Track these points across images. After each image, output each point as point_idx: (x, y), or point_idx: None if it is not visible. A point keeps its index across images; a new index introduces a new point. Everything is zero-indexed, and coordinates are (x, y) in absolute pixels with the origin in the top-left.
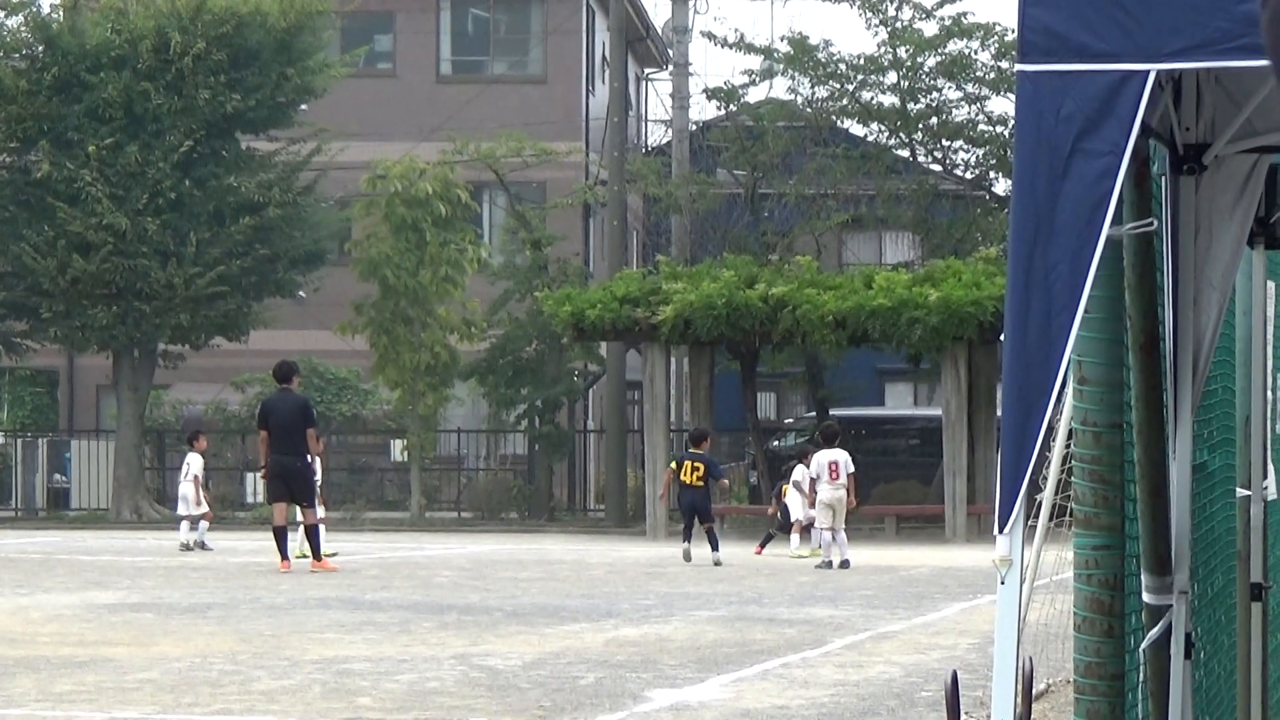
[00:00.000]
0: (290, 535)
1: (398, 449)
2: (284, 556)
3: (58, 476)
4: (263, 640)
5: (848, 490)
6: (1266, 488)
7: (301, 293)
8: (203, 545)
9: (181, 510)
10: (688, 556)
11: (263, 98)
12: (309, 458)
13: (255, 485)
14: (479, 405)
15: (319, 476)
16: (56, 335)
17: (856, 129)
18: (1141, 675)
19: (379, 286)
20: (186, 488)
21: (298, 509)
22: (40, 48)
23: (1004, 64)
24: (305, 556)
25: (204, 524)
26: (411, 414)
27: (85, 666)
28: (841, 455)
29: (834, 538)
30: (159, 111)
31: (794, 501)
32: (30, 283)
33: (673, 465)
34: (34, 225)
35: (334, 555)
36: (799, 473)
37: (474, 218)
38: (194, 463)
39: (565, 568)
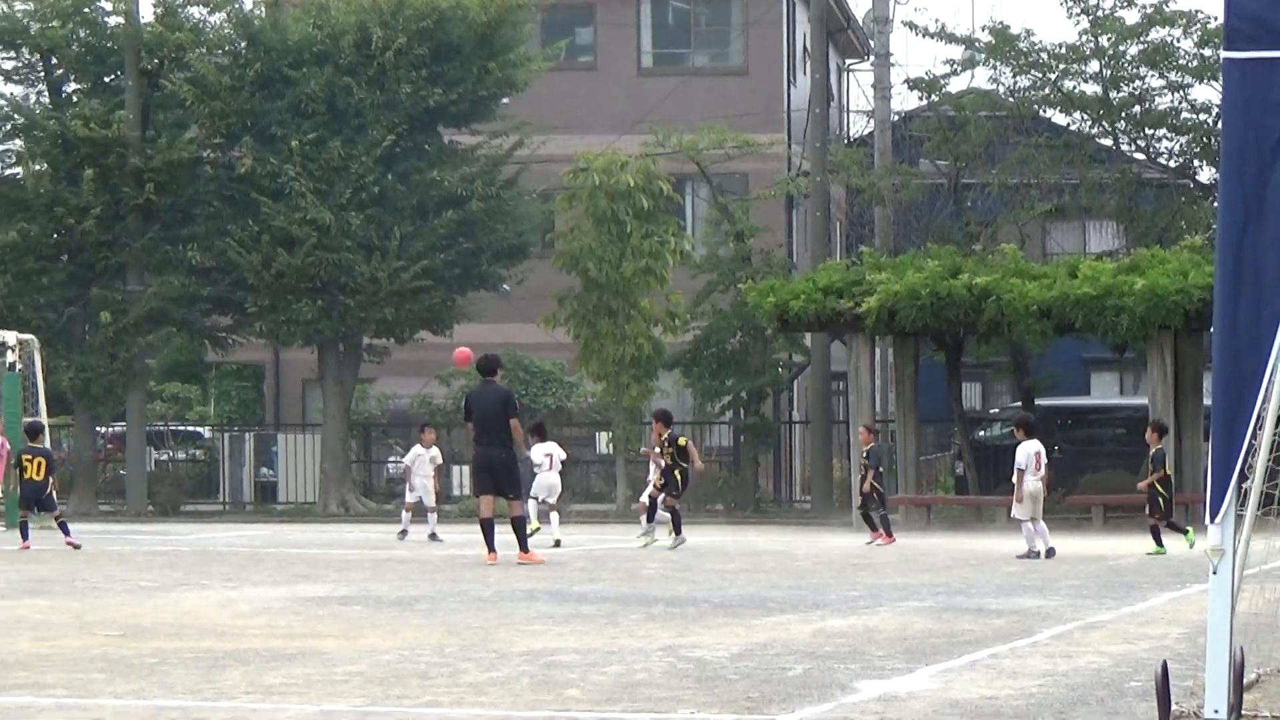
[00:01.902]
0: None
1: (603, 441)
2: (491, 549)
3: (265, 470)
4: (470, 632)
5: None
6: None
7: (505, 286)
8: (434, 537)
9: (428, 502)
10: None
11: (464, 92)
12: (514, 449)
13: (462, 478)
14: (684, 397)
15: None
16: (262, 330)
17: (1059, 118)
18: None
19: (582, 279)
20: (425, 480)
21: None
22: (243, 44)
23: (1207, 52)
24: (557, 545)
25: (433, 515)
26: (616, 406)
27: (294, 659)
28: (1040, 446)
29: (1035, 527)
30: (361, 106)
31: None
32: (235, 277)
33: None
34: (238, 220)
35: (547, 541)
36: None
37: (676, 210)
38: (432, 454)
39: (771, 559)
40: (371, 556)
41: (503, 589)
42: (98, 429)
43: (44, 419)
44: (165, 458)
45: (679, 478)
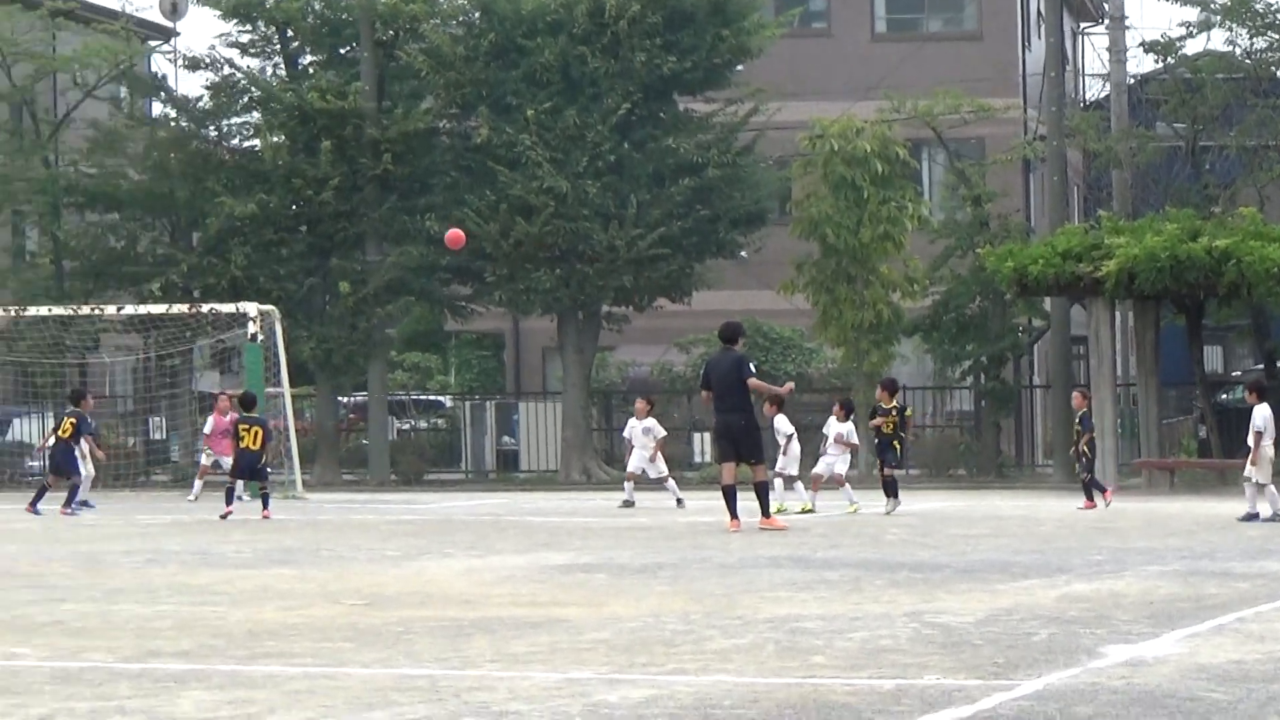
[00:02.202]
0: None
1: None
2: (733, 515)
3: (506, 439)
4: (714, 599)
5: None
6: None
7: (743, 253)
8: (680, 503)
9: (650, 474)
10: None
11: (698, 59)
12: (753, 414)
13: (703, 445)
14: (924, 362)
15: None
16: (501, 299)
17: None
18: None
19: (819, 245)
20: (641, 451)
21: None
22: (477, 15)
23: None
24: (809, 510)
25: (671, 483)
26: (856, 372)
27: (539, 627)
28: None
29: (1262, 490)
30: (596, 75)
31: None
32: (474, 247)
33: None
34: (476, 190)
35: (780, 512)
36: (831, 427)
37: (913, 175)
38: (647, 425)
39: (1014, 524)
40: (613, 524)
41: (746, 555)
42: (339, 399)
43: (286, 390)
44: (407, 427)
45: (898, 448)
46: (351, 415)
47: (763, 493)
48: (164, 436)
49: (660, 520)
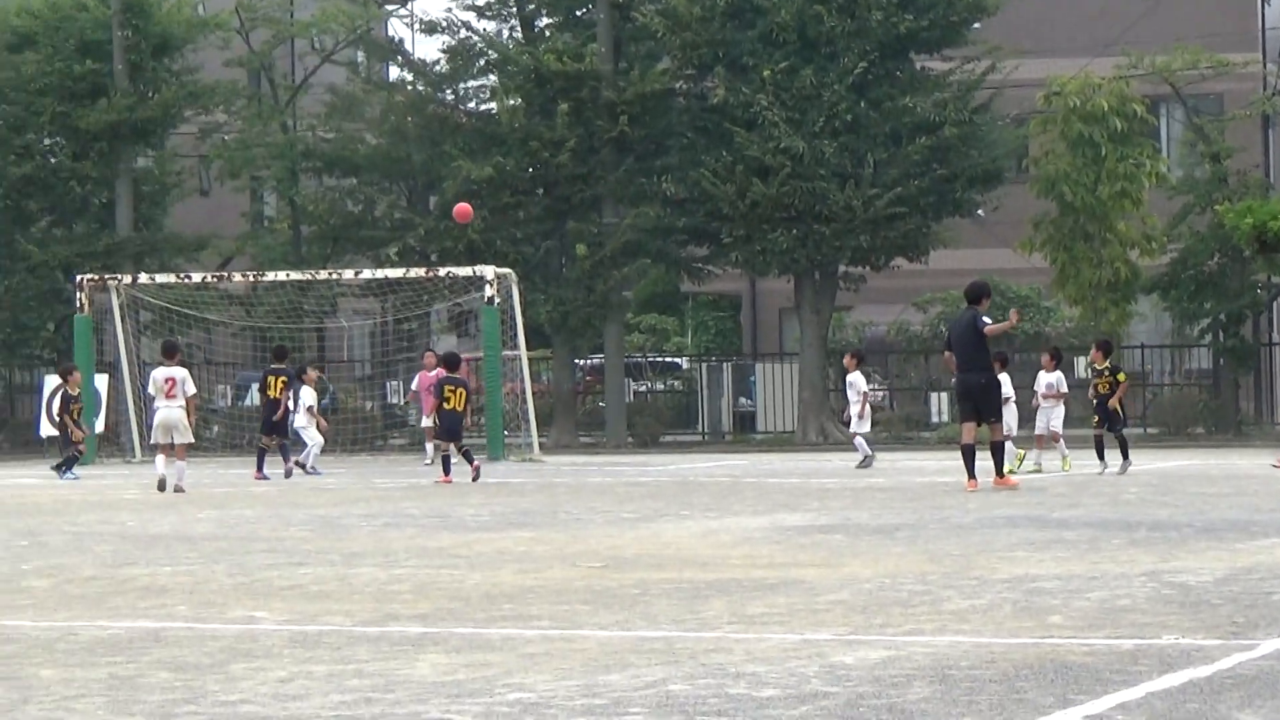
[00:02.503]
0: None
1: (1080, 366)
2: (971, 475)
3: (743, 400)
4: (951, 560)
5: None
6: None
7: (980, 211)
8: (866, 461)
9: (854, 428)
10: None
11: (935, 17)
12: (993, 372)
13: (940, 405)
14: (1162, 320)
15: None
16: (737, 260)
17: None
18: None
19: (1057, 203)
20: (855, 407)
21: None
22: None
23: None
24: (1037, 470)
25: (860, 439)
26: (1094, 330)
27: (775, 589)
28: None
29: None
30: (832, 34)
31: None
32: (710, 208)
33: None
34: (712, 151)
35: (1013, 471)
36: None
37: (1150, 132)
38: (851, 379)
39: (1255, 482)
40: (851, 485)
41: (983, 515)
42: (576, 361)
43: (523, 353)
44: (644, 389)
45: (1119, 410)
46: (588, 378)
47: (998, 452)
48: (400, 401)
49: (898, 481)
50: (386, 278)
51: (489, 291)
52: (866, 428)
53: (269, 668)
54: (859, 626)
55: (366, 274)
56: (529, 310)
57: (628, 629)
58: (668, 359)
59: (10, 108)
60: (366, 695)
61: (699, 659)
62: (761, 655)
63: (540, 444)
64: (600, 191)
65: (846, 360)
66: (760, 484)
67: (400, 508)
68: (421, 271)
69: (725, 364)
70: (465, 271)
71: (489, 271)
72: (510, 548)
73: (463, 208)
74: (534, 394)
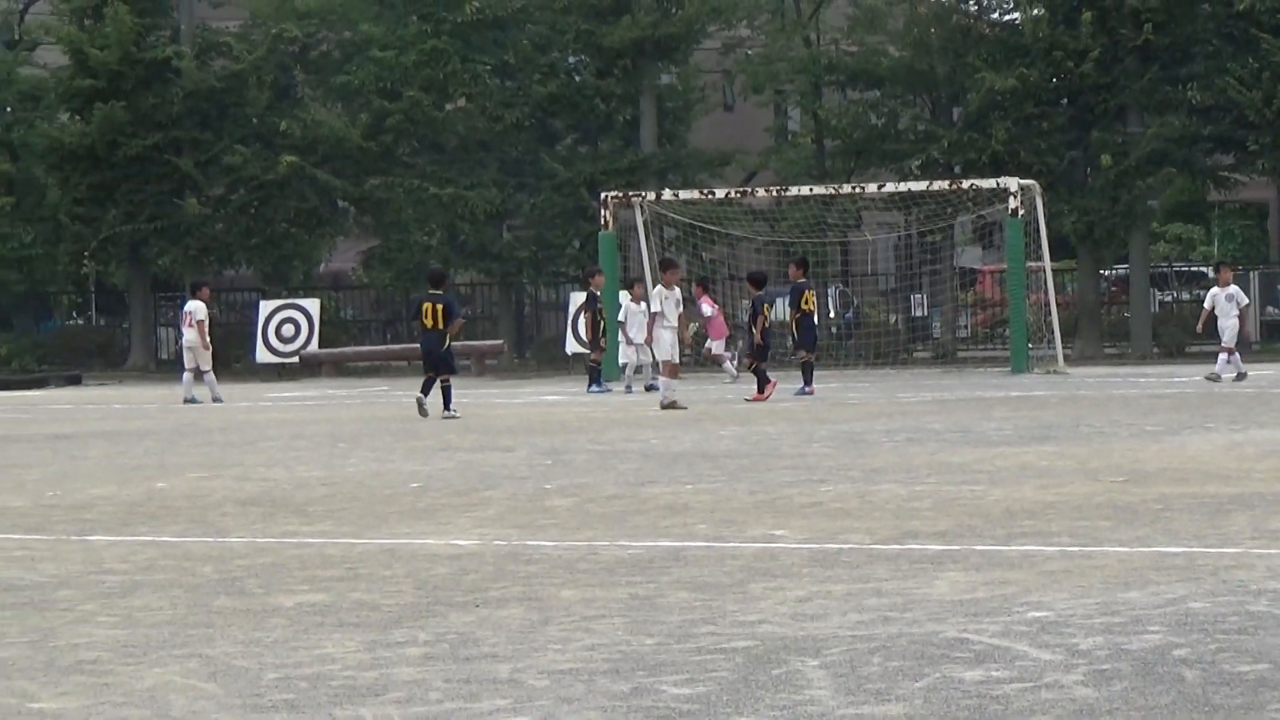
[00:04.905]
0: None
1: None
2: None
3: (1270, 309)
4: None
5: None
6: None
7: None
8: None
9: None
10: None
11: None
12: None
13: None
14: None
15: None
16: (1264, 167)
17: None
18: None
19: None
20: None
21: None
22: None
23: None
24: None
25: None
26: None
27: None
28: None
29: None
30: None
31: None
32: (1236, 115)
33: None
34: (1238, 57)
35: None
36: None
37: None
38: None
39: None
40: None
41: None
42: (1101, 272)
43: (1047, 264)
44: (1169, 299)
45: None
46: (1113, 288)
47: None
48: (924, 313)
49: None
50: (910, 191)
51: (1013, 203)
52: None
53: (787, 587)
54: None
55: (890, 187)
56: (1053, 221)
57: (1148, 545)
58: (1194, 268)
59: (536, 27)
60: (884, 614)
61: (1220, 576)
62: None
63: (1065, 356)
64: (1125, 100)
65: None
66: None
67: (922, 422)
68: (945, 184)
69: (1252, 273)
70: (989, 183)
71: (1012, 183)
72: (1032, 462)
73: None
74: (1058, 305)
